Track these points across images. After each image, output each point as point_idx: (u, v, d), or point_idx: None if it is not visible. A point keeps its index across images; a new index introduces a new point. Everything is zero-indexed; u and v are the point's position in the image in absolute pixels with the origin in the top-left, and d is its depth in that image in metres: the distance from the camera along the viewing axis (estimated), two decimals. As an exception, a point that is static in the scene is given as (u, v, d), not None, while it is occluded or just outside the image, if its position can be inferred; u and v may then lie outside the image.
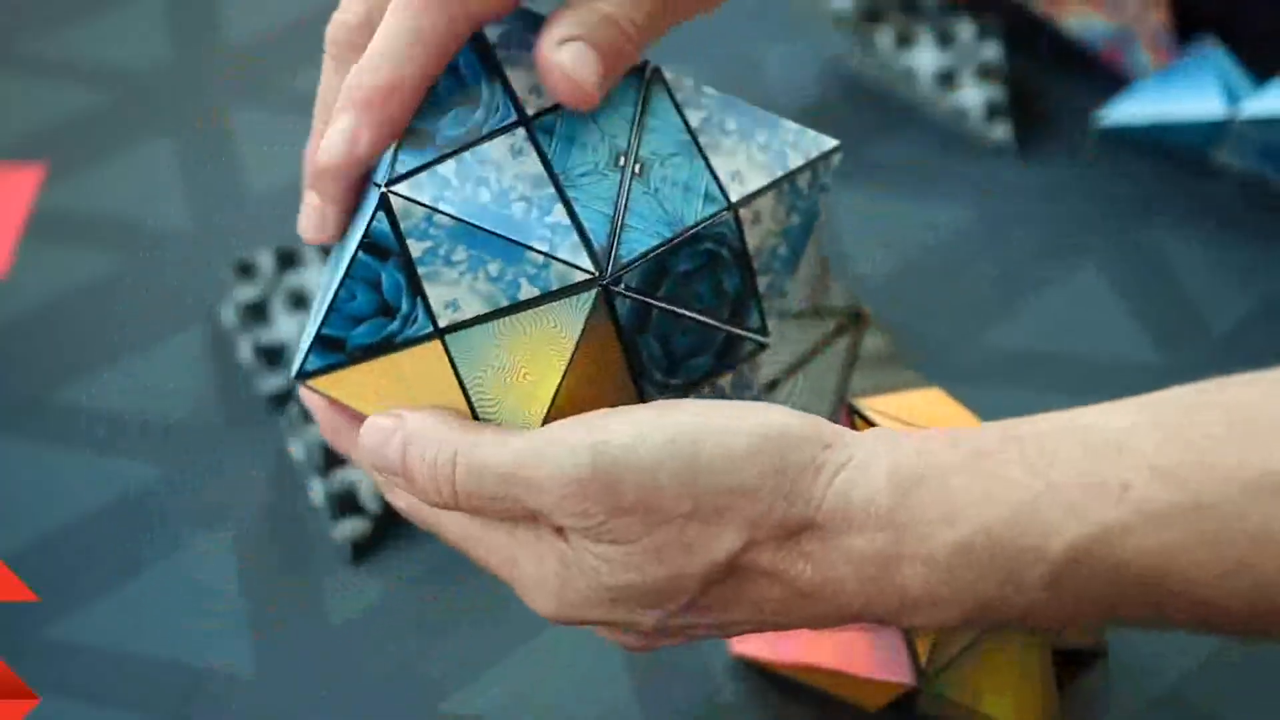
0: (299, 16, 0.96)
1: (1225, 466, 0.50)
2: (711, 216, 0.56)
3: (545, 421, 0.55)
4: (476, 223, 0.54)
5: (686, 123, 0.58)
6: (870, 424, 0.63)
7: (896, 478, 0.53)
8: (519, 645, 0.70)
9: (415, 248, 0.55)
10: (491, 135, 0.56)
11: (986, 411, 0.76)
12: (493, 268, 0.55)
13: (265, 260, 0.80)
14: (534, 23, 0.58)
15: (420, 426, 0.56)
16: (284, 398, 0.77)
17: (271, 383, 0.78)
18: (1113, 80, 0.91)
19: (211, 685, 0.69)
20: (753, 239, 0.58)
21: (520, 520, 0.55)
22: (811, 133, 0.59)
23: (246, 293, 0.79)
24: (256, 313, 0.79)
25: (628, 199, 0.56)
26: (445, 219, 0.54)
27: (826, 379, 0.76)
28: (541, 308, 0.55)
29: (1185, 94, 0.86)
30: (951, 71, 0.88)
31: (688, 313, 0.57)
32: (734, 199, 0.57)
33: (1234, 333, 0.81)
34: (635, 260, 0.55)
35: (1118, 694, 0.68)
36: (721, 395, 0.59)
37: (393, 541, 0.73)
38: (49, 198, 0.87)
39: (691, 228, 0.56)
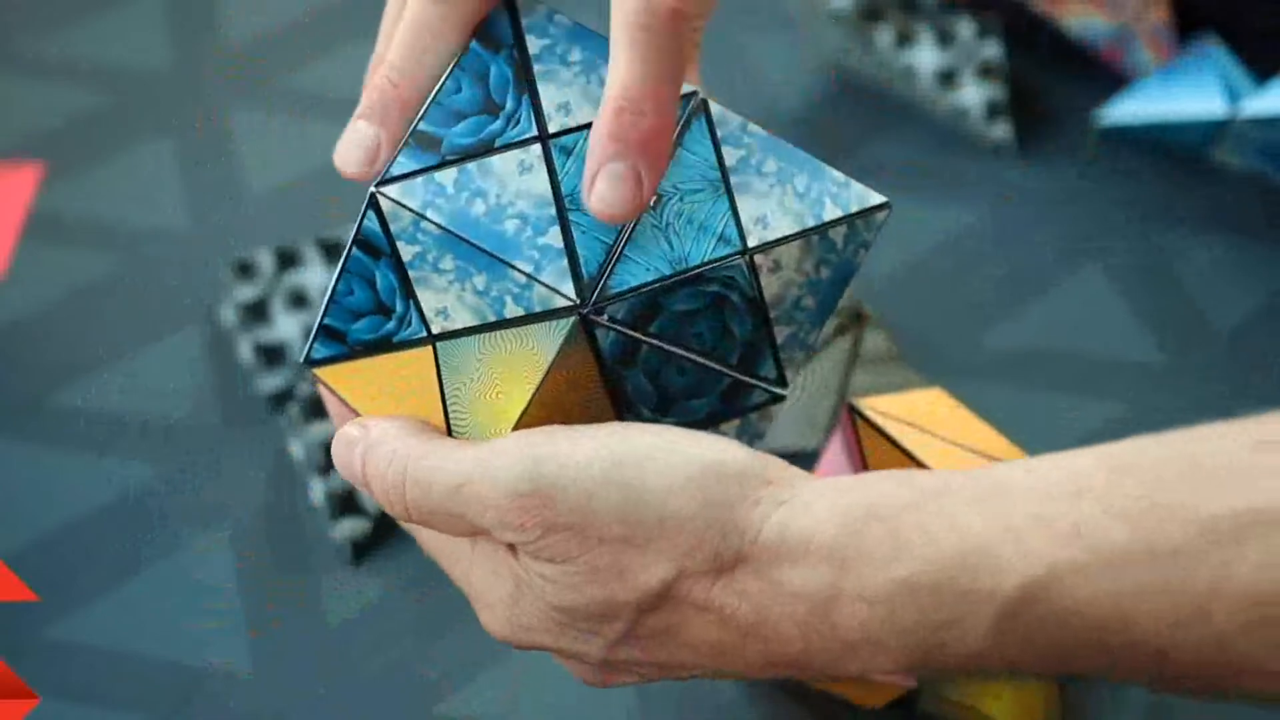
0: (297, 17, 0.96)
1: (1181, 509, 0.49)
2: (720, 259, 0.55)
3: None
4: (462, 234, 0.54)
5: (720, 159, 0.56)
6: (871, 424, 0.63)
7: (842, 514, 0.51)
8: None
9: (405, 251, 0.55)
10: (504, 148, 0.55)
11: (988, 411, 0.76)
12: (479, 281, 0.54)
13: (265, 260, 0.80)
14: (586, 39, 0.57)
15: (379, 436, 0.55)
16: (283, 397, 0.77)
17: (271, 382, 0.77)
18: (1113, 79, 0.91)
19: (210, 685, 0.69)
20: (771, 287, 0.56)
21: (479, 536, 0.55)
22: (859, 187, 0.57)
23: (246, 292, 0.79)
24: (256, 312, 0.79)
25: (633, 230, 0.55)
26: (432, 226, 0.54)
27: (828, 378, 0.76)
28: (522, 328, 0.54)
29: (1186, 93, 0.86)
30: (952, 70, 0.88)
31: (682, 352, 0.56)
32: (751, 243, 0.55)
33: (1236, 331, 0.81)
34: (623, 293, 0.54)
35: (1118, 694, 0.68)
36: None
37: (392, 542, 0.73)
38: (48, 198, 0.87)
39: (695, 268, 0.55)
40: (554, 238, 0.54)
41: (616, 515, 0.52)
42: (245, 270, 0.80)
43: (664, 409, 0.57)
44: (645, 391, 0.56)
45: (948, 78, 0.88)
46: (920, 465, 0.61)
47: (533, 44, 0.57)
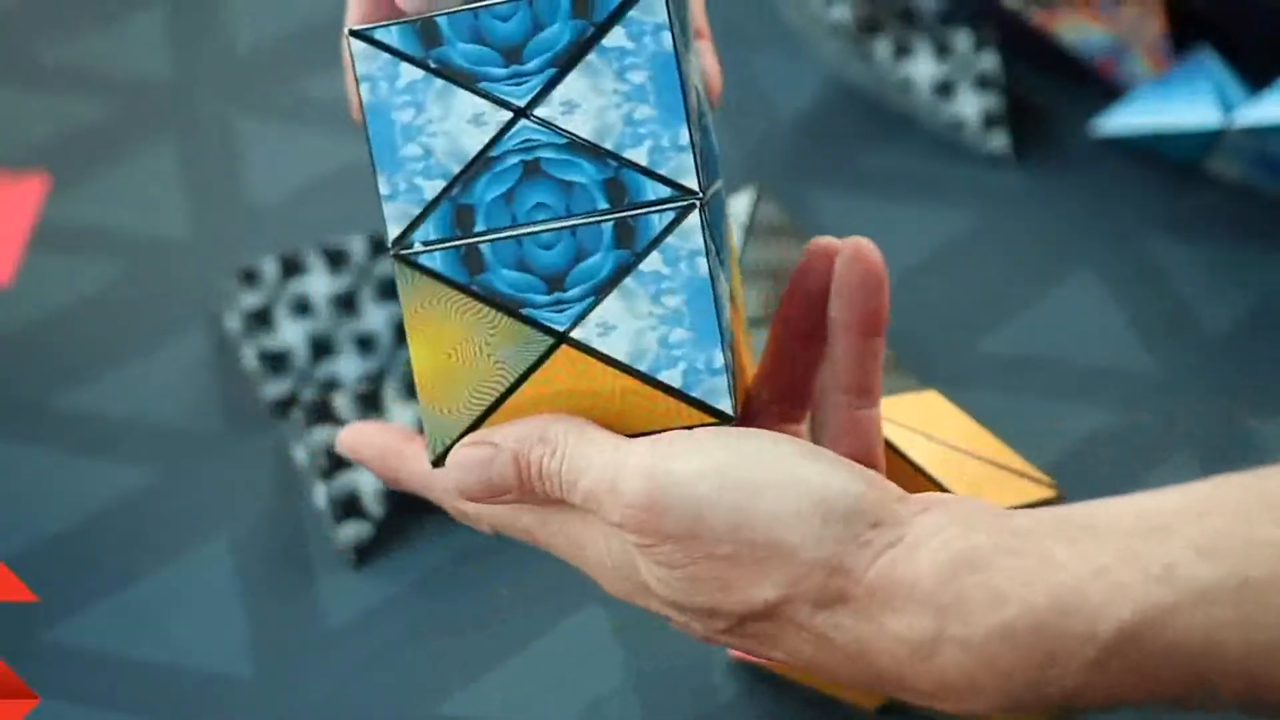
0: (301, 26, 0.97)
1: (1268, 545, 0.50)
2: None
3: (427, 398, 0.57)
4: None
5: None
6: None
7: (942, 561, 0.52)
8: (518, 650, 0.70)
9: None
10: (481, 95, 0.55)
11: (983, 416, 0.77)
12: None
13: (269, 268, 0.81)
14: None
15: (559, 436, 0.57)
16: (287, 404, 0.78)
17: (274, 389, 0.78)
18: (1109, 90, 0.91)
19: (211, 689, 0.69)
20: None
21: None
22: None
23: (250, 300, 0.80)
24: (260, 320, 0.79)
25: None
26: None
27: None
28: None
29: (1181, 103, 0.87)
30: (949, 82, 0.89)
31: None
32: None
33: (1229, 340, 0.81)
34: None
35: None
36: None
37: (394, 546, 0.74)
38: (54, 207, 0.87)
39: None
40: (430, 190, 0.55)
41: (725, 534, 0.53)
42: (249, 278, 0.81)
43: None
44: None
45: (945, 89, 0.89)
46: (915, 467, 0.62)
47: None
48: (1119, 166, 0.89)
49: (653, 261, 0.55)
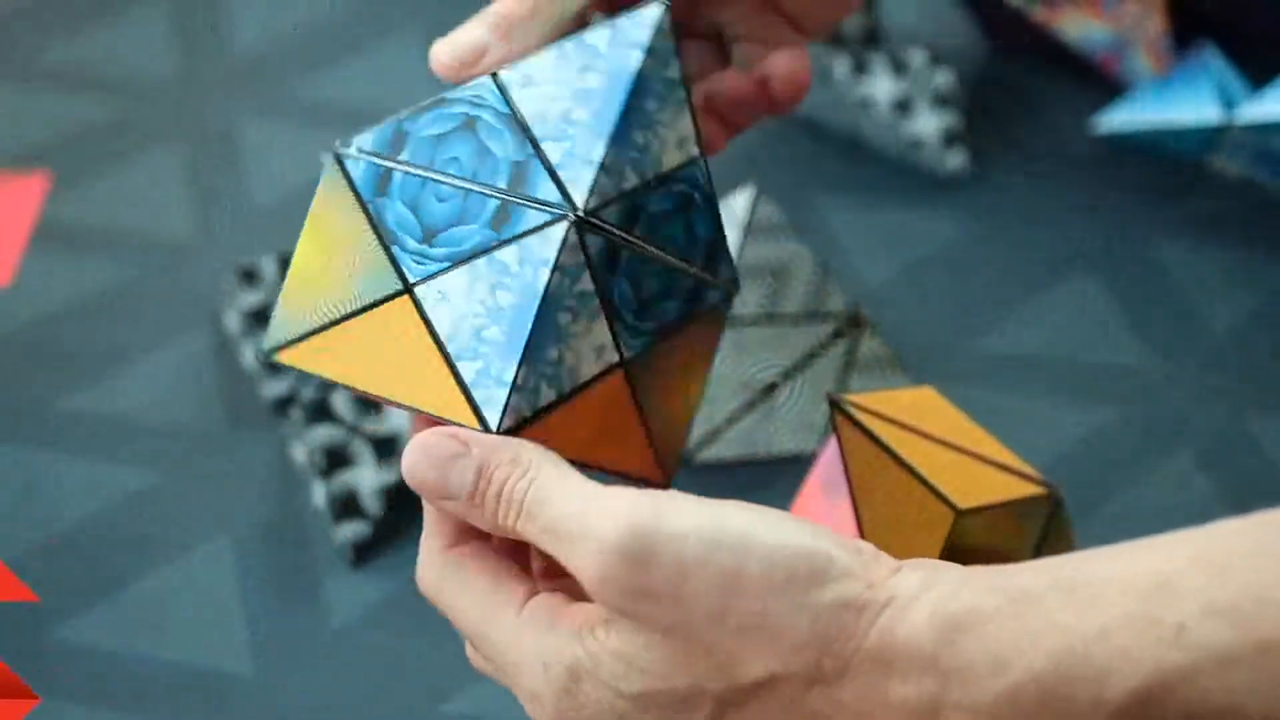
0: (301, 26, 0.97)
1: None
2: (686, 162, 0.56)
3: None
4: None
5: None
6: (851, 420, 0.63)
7: (939, 621, 0.50)
8: (519, 648, 0.70)
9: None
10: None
11: (983, 416, 0.77)
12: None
13: (269, 267, 0.81)
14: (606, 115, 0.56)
15: (526, 454, 0.54)
16: (286, 402, 0.78)
17: (274, 387, 0.78)
18: (1110, 87, 0.91)
19: (211, 688, 0.69)
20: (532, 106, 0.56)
21: (527, 618, 0.53)
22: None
23: (250, 299, 0.80)
24: (260, 319, 0.80)
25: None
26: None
27: (824, 382, 0.76)
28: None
29: (1182, 100, 0.86)
30: (907, 100, 0.87)
31: (658, 253, 0.56)
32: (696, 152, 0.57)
33: (1230, 338, 0.81)
34: (613, 197, 0.55)
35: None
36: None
37: (393, 544, 0.74)
38: (55, 206, 0.87)
39: (667, 172, 0.56)
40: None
41: (714, 595, 0.50)
42: (249, 277, 0.81)
43: (642, 314, 0.56)
44: (627, 298, 0.56)
45: (903, 107, 0.88)
46: (902, 464, 0.61)
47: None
48: (1121, 164, 0.89)
49: (508, 254, 0.55)
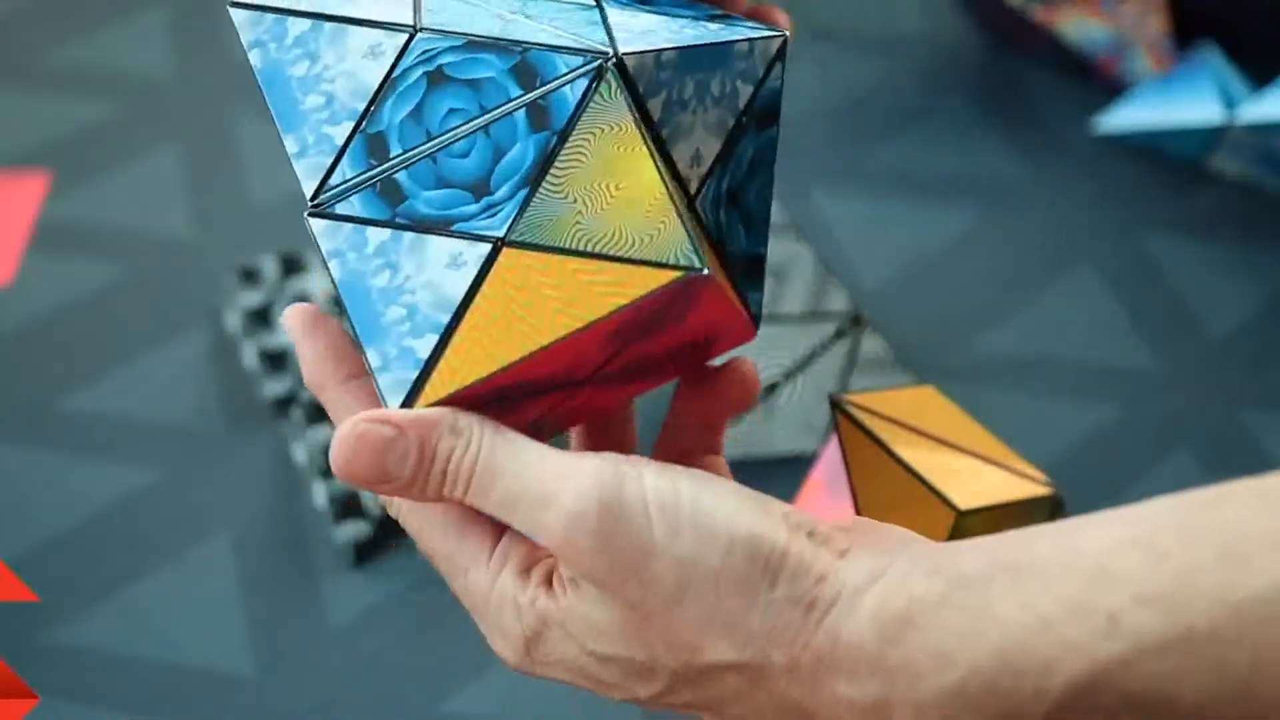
0: (304, 26, 0.97)
1: (1213, 590, 0.49)
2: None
3: (671, 198, 0.51)
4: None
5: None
6: (851, 420, 0.63)
7: (884, 617, 0.51)
8: (519, 648, 0.70)
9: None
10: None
11: (983, 414, 0.77)
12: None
13: (269, 266, 0.81)
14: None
15: (464, 422, 0.52)
16: (287, 402, 0.78)
17: (275, 387, 0.78)
18: (1111, 86, 0.91)
19: (212, 688, 0.69)
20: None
21: (504, 569, 0.54)
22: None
23: (250, 298, 0.80)
24: (260, 318, 0.80)
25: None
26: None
27: (825, 382, 0.76)
28: (581, 125, 0.51)
29: (1183, 100, 0.87)
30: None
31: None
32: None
33: (1230, 337, 0.81)
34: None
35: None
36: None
37: (394, 544, 0.74)
38: (55, 206, 0.87)
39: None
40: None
41: (672, 584, 0.51)
42: (249, 277, 0.81)
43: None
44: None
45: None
46: (902, 463, 0.62)
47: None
48: (1121, 164, 0.89)
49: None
